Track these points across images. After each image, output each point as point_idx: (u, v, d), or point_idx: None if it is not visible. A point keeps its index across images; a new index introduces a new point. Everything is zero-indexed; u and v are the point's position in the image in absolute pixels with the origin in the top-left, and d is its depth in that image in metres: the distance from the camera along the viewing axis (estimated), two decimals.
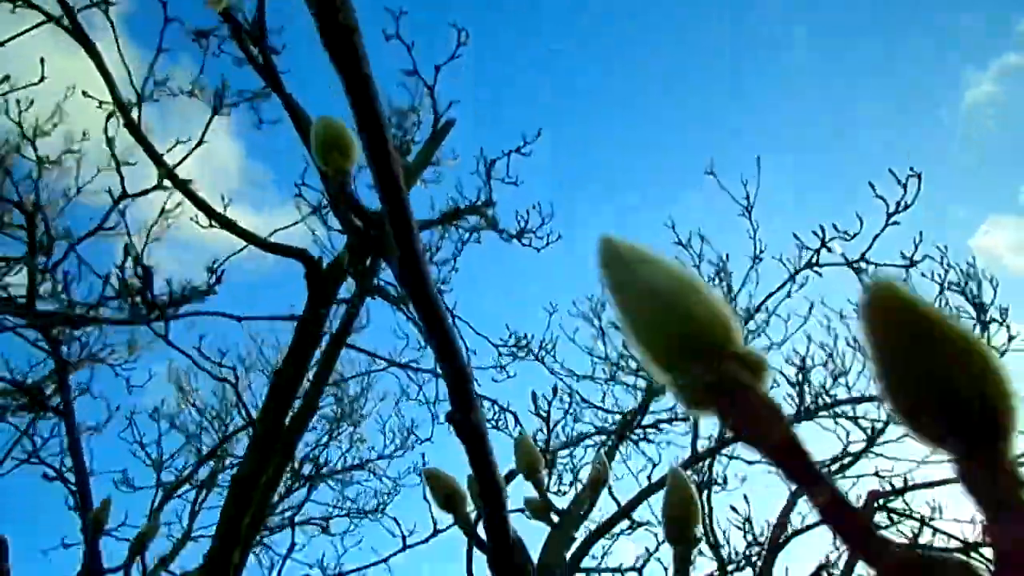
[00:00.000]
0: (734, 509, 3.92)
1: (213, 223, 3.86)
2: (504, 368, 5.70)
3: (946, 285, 4.63)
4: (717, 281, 5.49)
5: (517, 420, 5.19)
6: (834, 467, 4.52)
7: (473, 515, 0.70)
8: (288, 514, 6.32)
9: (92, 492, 3.63)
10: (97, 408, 5.84)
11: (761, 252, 5.23)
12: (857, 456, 4.32)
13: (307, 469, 6.56)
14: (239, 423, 6.70)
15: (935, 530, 3.55)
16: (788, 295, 5.20)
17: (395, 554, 3.42)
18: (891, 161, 4.49)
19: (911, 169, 4.48)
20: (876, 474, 4.09)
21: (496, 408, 5.17)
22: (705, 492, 4.71)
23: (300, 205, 4.60)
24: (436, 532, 3.47)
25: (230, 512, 3.10)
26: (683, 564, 0.50)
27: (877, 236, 4.41)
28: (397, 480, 6.57)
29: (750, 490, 4.60)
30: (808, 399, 4.68)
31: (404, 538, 3.48)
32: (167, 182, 3.56)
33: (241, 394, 3.66)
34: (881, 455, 4.49)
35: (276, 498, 6.27)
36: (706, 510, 4.67)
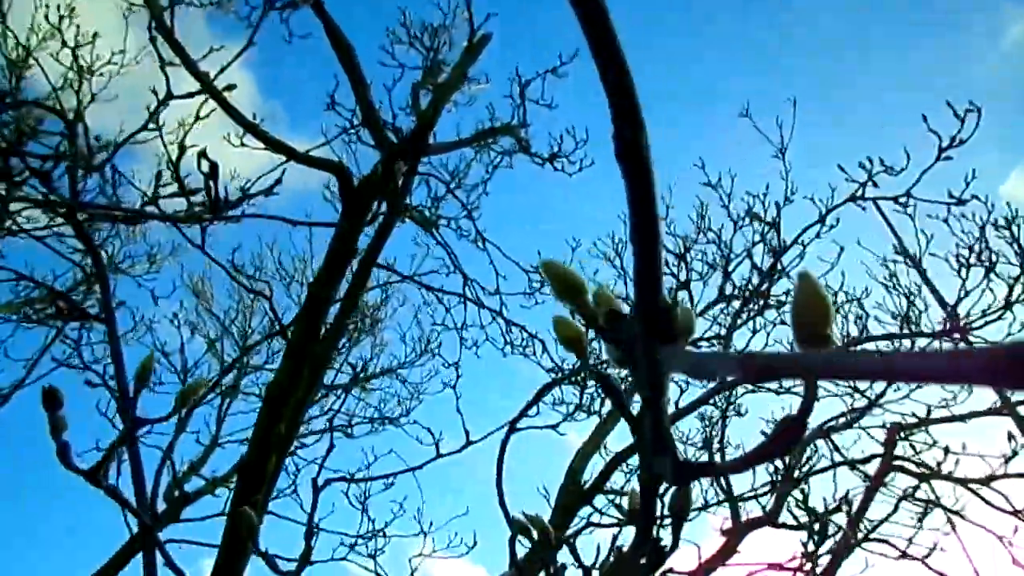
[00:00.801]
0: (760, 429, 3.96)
1: (245, 142, 3.87)
2: (533, 294, 5.72)
3: (988, 225, 4.51)
4: (747, 220, 5.37)
5: (545, 348, 5.23)
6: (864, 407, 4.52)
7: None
8: (317, 424, 6.46)
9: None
10: (122, 318, 6.01)
11: (793, 193, 5.11)
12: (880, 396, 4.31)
13: (330, 378, 6.66)
14: (259, 334, 6.87)
15: (957, 460, 3.58)
16: (818, 235, 5.10)
17: (428, 462, 3.53)
18: (922, 105, 4.32)
19: (970, 103, 4.31)
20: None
21: (525, 335, 5.21)
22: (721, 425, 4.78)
23: (326, 132, 4.53)
24: (469, 443, 3.57)
25: (263, 422, 3.21)
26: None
27: (926, 171, 4.26)
28: (420, 386, 6.64)
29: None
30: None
31: (437, 445, 3.58)
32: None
33: (275, 307, 3.74)
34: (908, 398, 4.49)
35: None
36: (722, 442, 4.73)
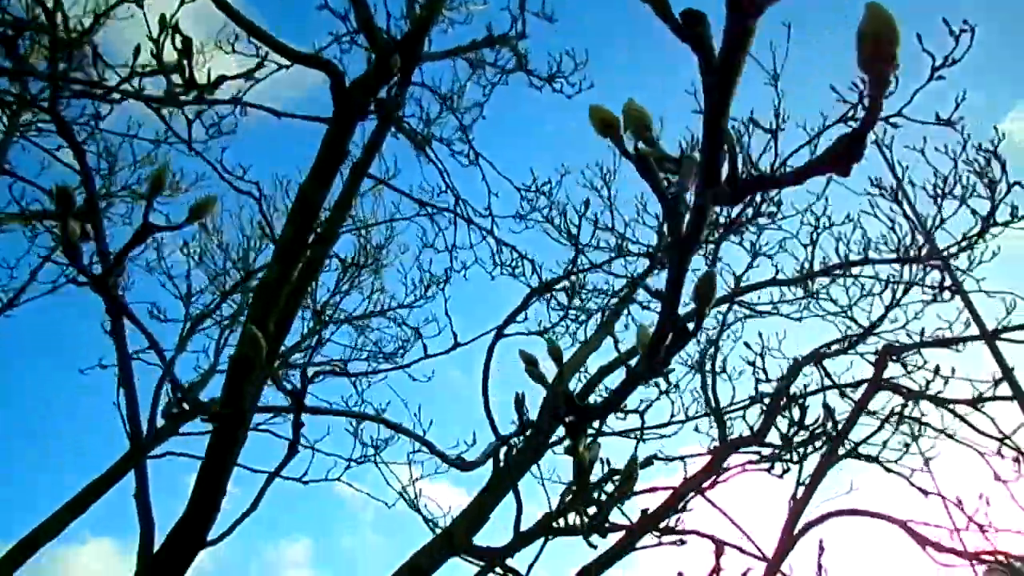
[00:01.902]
0: (747, 345, 3.96)
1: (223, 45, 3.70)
2: (524, 218, 5.65)
3: (962, 158, 4.47)
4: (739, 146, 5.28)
5: (535, 269, 5.20)
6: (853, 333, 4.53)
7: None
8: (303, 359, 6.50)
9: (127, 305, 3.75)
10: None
11: (784, 121, 5.01)
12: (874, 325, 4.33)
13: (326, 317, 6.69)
14: (262, 262, 6.87)
15: (946, 381, 3.60)
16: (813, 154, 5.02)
17: (417, 361, 3.50)
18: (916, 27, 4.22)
19: (964, 22, 4.20)
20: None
21: (515, 256, 5.17)
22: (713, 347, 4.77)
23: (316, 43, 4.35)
24: (456, 345, 3.55)
25: (256, 314, 3.15)
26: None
27: (919, 90, 4.18)
28: (418, 329, 6.70)
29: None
30: (818, 264, 4.67)
31: (425, 347, 3.56)
32: None
33: (264, 210, 3.66)
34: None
35: (294, 343, 6.50)
36: (714, 366, 4.74)
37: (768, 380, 3.89)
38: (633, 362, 1.07)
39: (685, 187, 0.66)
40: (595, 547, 2.39)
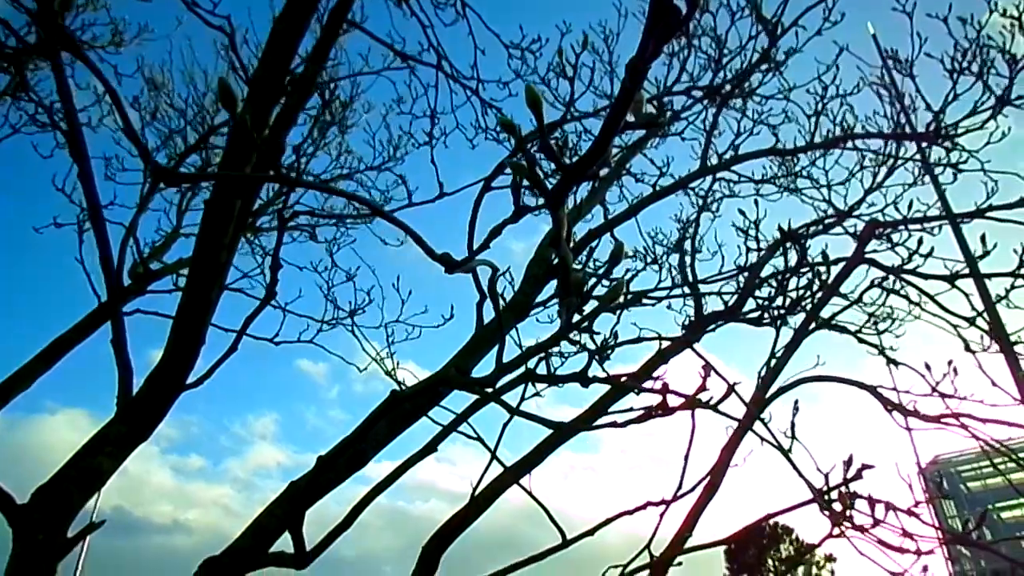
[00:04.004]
0: (742, 212, 3.91)
1: None
2: (508, 85, 5.41)
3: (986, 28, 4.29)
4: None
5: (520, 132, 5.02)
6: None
7: None
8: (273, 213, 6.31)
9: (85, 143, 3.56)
10: (83, 97, 5.65)
11: None
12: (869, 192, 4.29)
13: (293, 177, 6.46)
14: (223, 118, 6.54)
15: (925, 257, 3.62)
16: (819, 32, 4.80)
17: (399, 208, 3.41)
18: None
19: None
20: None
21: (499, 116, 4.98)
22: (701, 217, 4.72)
23: None
24: (442, 194, 3.46)
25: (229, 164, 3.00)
26: None
27: None
28: (385, 193, 6.55)
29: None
30: (819, 135, 4.56)
31: (410, 195, 3.46)
32: None
33: (236, 46, 3.40)
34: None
35: (262, 202, 6.32)
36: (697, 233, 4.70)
37: (750, 250, 3.87)
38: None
39: None
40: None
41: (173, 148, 6.79)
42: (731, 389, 1.69)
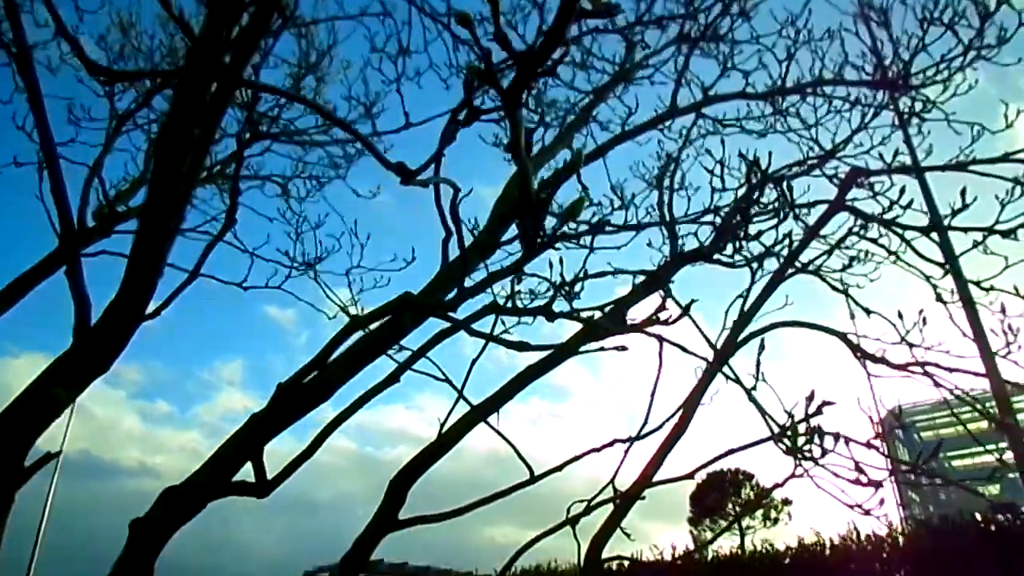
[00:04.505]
0: (708, 152, 3.83)
1: None
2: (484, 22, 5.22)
3: None
4: None
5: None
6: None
7: None
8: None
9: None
10: (42, 33, 5.34)
11: None
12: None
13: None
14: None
15: (905, 208, 3.60)
16: None
17: (368, 136, 3.26)
18: None
19: None
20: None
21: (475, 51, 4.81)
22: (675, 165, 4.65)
23: None
24: (408, 125, 3.33)
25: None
26: None
27: None
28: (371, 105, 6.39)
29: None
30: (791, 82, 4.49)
31: (373, 123, 3.31)
32: None
33: None
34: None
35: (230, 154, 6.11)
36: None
37: (715, 190, 3.81)
38: None
39: None
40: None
41: (138, 92, 6.52)
42: (685, 311, 1.65)
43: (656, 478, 3.19)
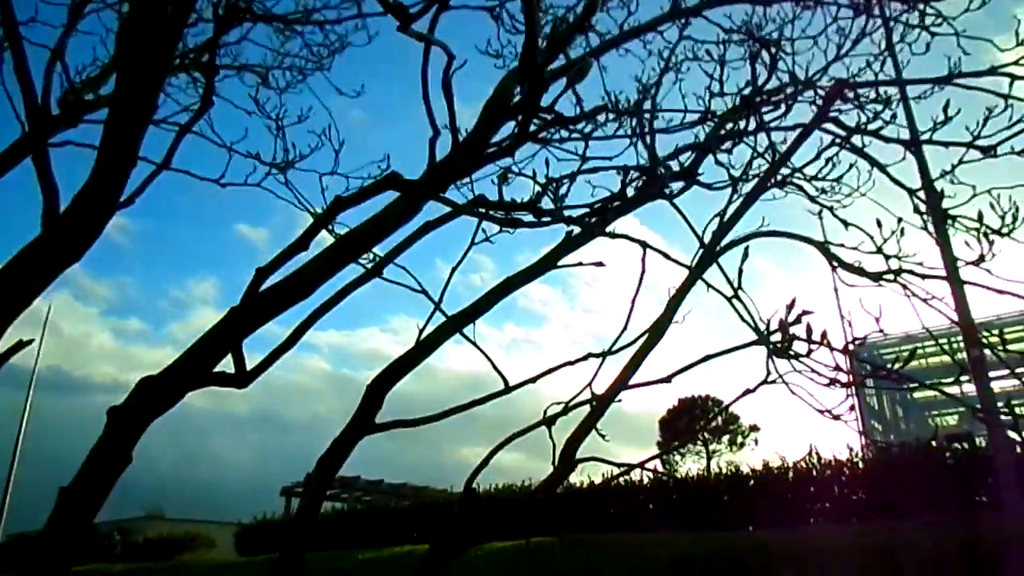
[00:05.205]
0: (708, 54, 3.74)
1: None
2: None
3: None
4: None
5: None
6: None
7: None
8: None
9: None
10: None
11: None
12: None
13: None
14: None
15: (887, 123, 3.58)
16: None
17: (349, 18, 3.13)
18: None
19: None
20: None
21: None
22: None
23: None
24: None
25: None
26: None
27: None
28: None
29: None
30: None
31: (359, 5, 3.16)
32: None
33: None
34: None
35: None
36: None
37: (724, 93, 3.75)
38: None
39: None
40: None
41: None
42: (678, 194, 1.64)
43: (633, 382, 3.24)
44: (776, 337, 2.74)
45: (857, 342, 2.56)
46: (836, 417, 3.00)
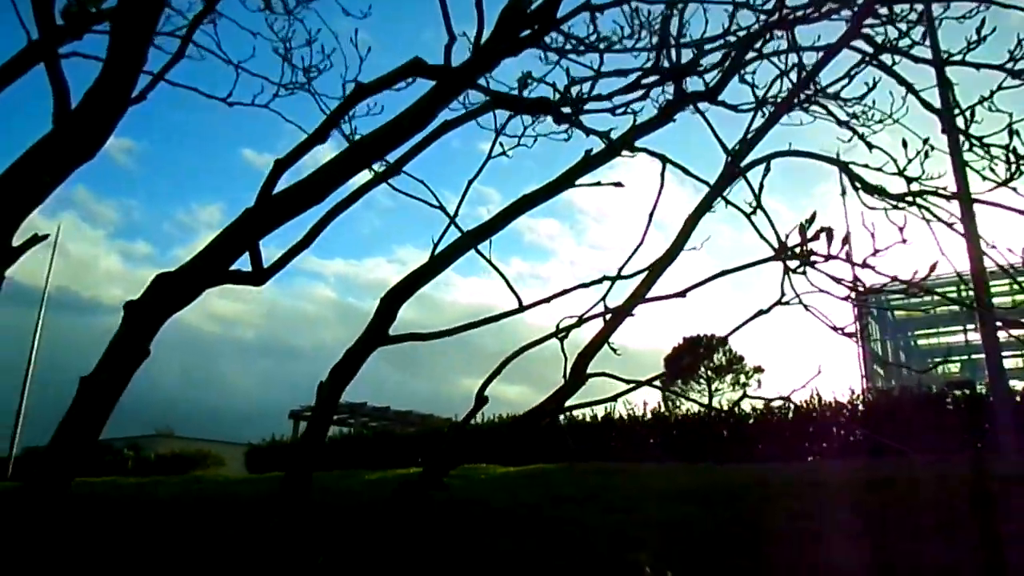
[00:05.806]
0: None
1: None
2: None
3: None
4: None
5: None
6: None
7: None
8: None
9: None
10: None
11: None
12: None
13: None
14: None
15: (913, 44, 3.46)
16: None
17: None
18: None
19: None
20: None
21: None
22: None
23: None
24: None
25: None
26: None
27: None
28: None
29: None
30: None
31: None
32: None
33: None
34: None
35: None
36: None
37: (741, 5, 3.61)
38: None
39: None
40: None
41: None
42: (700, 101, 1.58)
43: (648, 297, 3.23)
44: (794, 250, 2.71)
45: (879, 253, 2.53)
46: (849, 335, 3.00)
